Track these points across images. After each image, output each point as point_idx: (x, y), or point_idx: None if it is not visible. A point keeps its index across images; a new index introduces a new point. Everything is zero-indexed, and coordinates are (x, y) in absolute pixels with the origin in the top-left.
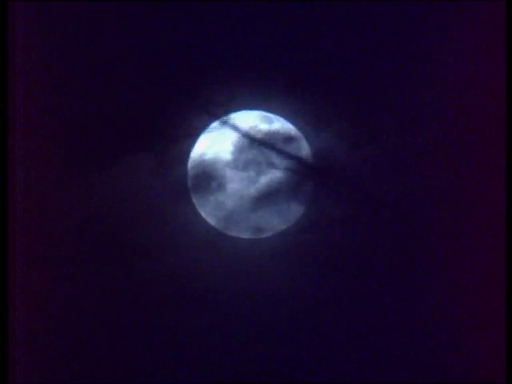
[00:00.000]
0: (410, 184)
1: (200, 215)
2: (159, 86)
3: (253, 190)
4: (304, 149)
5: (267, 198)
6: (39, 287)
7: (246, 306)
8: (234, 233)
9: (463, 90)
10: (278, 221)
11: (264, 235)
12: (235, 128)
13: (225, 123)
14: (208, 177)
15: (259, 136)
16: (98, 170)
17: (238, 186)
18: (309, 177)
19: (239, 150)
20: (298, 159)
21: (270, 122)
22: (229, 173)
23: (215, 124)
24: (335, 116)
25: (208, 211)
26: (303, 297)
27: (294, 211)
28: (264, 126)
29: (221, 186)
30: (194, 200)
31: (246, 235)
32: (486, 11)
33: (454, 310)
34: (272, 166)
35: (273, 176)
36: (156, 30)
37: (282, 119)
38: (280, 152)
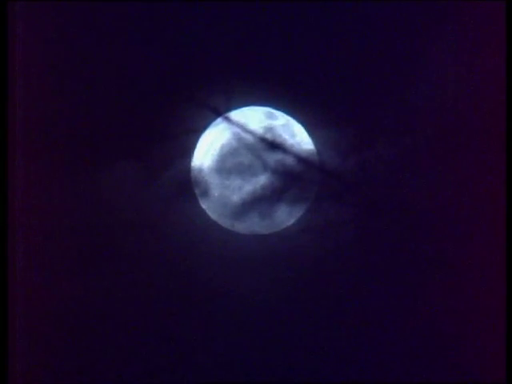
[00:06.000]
0: (412, 186)
1: (204, 213)
2: (158, 82)
3: (251, 189)
4: (307, 147)
5: (266, 197)
6: (39, 288)
7: (244, 307)
8: (236, 229)
9: (464, 92)
10: (275, 220)
11: (261, 234)
12: (238, 125)
13: (227, 120)
14: (210, 175)
15: (262, 133)
16: (96, 170)
17: (240, 185)
18: (311, 176)
19: (241, 148)
20: (300, 157)
21: (274, 118)
22: (231, 172)
23: (217, 121)
24: (340, 115)
25: (212, 207)
26: (302, 298)
27: (294, 211)
28: (268, 123)
29: (224, 184)
30: (199, 198)
31: (247, 232)
32: (486, 11)
33: (453, 312)
34: (272, 164)
35: (273, 175)
36: (156, 26)
37: (286, 116)
38: (283, 150)
